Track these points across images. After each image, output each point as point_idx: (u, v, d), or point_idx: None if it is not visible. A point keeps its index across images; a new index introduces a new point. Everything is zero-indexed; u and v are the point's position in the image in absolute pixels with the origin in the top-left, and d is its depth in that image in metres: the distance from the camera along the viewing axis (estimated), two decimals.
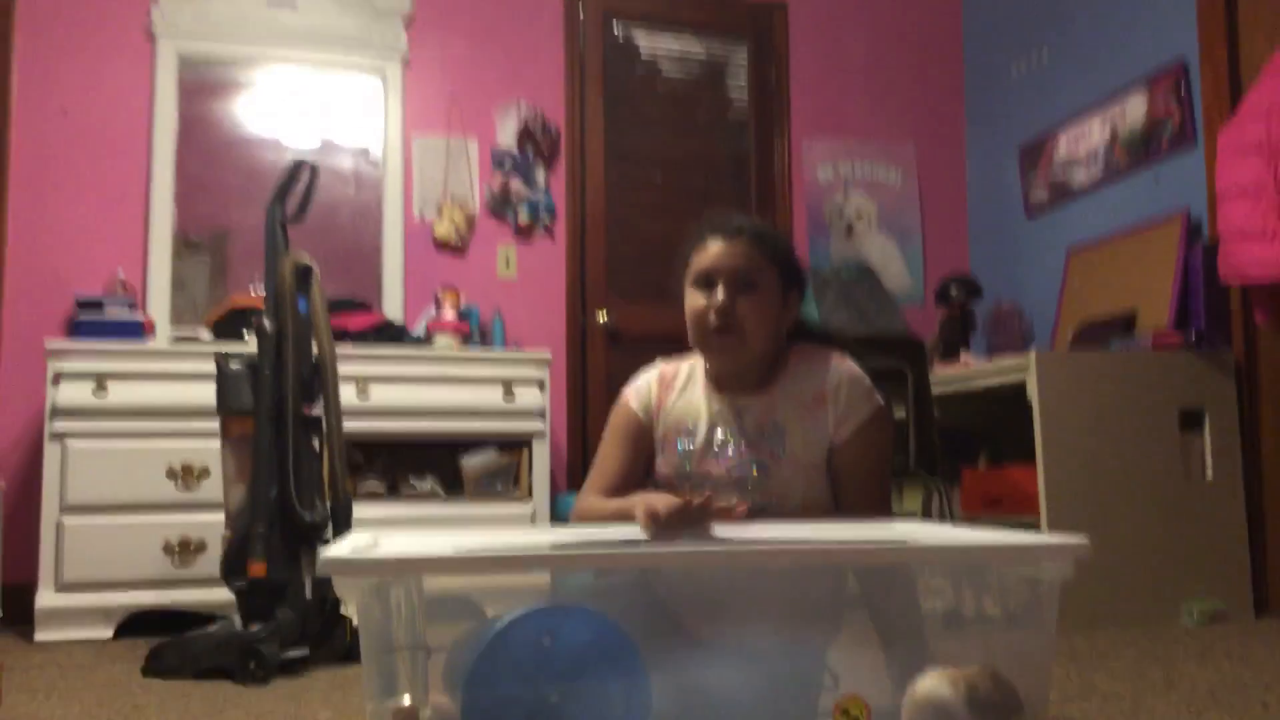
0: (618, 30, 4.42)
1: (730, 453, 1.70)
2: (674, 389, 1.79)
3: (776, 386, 1.71)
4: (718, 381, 1.75)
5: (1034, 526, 3.02)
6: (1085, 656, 2.51)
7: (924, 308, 4.44)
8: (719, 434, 1.72)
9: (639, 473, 1.78)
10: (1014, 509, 3.34)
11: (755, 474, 1.68)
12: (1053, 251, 4.11)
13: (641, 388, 1.81)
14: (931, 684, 1.18)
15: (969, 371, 3.50)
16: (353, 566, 1.13)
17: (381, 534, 1.43)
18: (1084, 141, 4.00)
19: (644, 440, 1.78)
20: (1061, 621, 2.83)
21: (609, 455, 1.78)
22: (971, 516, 3.55)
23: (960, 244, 4.72)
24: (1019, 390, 3.15)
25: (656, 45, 4.48)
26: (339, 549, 1.22)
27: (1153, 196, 3.65)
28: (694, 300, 1.71)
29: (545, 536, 1.90)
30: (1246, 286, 3.16)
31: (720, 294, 1.67)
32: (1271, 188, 2.94)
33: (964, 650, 1.32)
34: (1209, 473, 3.15)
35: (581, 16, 4.35)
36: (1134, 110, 3.75)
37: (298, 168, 2.85)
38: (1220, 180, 3.10)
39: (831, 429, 1.66)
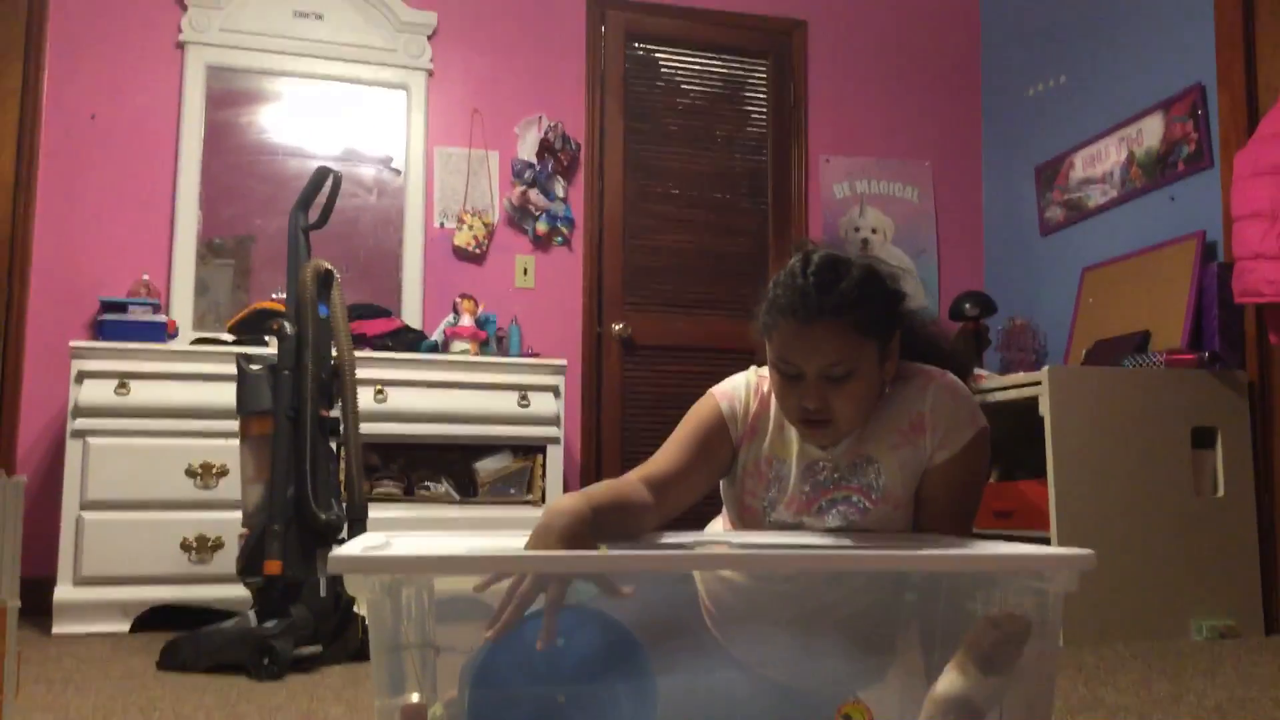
0: (638, 47, 4.47)
1: (823, 500, 1.53)
2: (768, 411, 1.57)
3: (870, 415, 1.52)
4: None
5: (1044, 541, 3.02)
6: (1093, 669, 2.51)
7: (937, 323, 4.44)
8: (808, 481, 1.54)
9: (698, 482, 1.56)
10: (1024, 523, 3.34)
11: (849, 519, 1.52)
12: (1067, 270, 4.12)
13: (735, 392, 1.59)
14: (946, 681, 1.19)
15: (982, 385, 3.51)
16: (361, 564, 1.15)
17: (395, 535, 1.46)
18: (1100, 162, 4.01)
19: (720, 448, 1.57)
20: (1070, 634, 2.89)
21: (673, 451, 1.56)
22: (981, 530, 3.55)
23: (975, 261, 4.74)
24: (1031, 405, 3.16)
25: (677, 62, 4.53)
26: (350, 547, 1.25)
27: (1168, 217, 3.66)
28: (778, 384, 1.49)
29: None
30: (1260, 307, 3.17)
31: (810, 391, 1.44)
32: None
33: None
34: (1220, 489, 3.15)
35: (603, 31, 4.40)
36: (1151, 132, 3.76)
37: (323, 174, 2.90)
38: (1235, 202, 3.11)
39: (929, 454, 1.49)
